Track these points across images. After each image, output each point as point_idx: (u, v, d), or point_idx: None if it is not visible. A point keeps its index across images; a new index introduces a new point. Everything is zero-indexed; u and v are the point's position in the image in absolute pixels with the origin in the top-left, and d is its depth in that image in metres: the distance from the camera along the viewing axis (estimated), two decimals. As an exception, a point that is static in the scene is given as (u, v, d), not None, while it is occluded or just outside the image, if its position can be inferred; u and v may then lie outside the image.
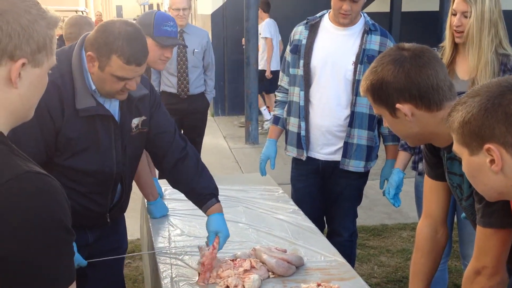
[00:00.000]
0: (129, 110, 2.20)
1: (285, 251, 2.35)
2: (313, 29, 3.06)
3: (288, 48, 3.16)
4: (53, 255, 1.03)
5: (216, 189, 2.39)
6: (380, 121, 3.04)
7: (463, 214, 2.19)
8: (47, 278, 1.02)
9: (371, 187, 5.72)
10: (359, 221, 4.88)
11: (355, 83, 2.95)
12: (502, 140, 1.30)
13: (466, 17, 2.61)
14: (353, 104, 2.98)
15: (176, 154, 2.36)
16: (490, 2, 2.57)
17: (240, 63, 8.21)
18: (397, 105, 1.62)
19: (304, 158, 3.14)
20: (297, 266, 2.26)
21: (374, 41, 2.96)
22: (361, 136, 3.03)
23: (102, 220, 2.28)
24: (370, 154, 3.08)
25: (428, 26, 8.40)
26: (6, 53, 1.06)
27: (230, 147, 7.71)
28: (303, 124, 3.08)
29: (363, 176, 3.17)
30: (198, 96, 5.02)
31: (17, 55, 1.07)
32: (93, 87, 2.04)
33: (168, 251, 2.45)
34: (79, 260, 2.13)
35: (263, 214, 2.90)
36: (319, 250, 2.45)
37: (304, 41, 3.06)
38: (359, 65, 2.95)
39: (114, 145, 2.16)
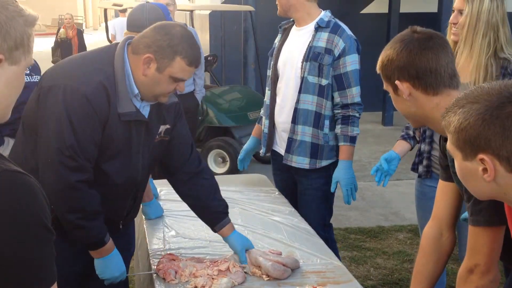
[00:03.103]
0: (157, 117, 2.19)
1: (280, 254, 2.33)
2: (285, 33, 3.19)
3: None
4: (33, 253, 1.02)
5: (227, 208, 2.41)
6: (338, 121, 3.04)
7: (462, 216, 2.17)
8: (26, 277, 1.01)
9: (368, 188, 5.72)
10: (356, 223, 4.89)
11: (301, 80, 3.02)
12: (497, 152, 1.29)
13: (462, 14, 2.57)
14: (297, 101, 3.04)
15: (193, 168, 2.36)
16: (491, 4, 2.50)
17: (238, 63, 8.20)
18: (396, 82, 1.69)
19: (261, 154, 3.32)
20: (292, 269, 2.24)
21: (322, 38, 2.99)
22: (304, 133, 3.05)
23: (115, 227, 2.25)
24: (317, 152, 3.07)
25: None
26: None
27: (227, 147, 7.68)
28: (266, 122, 3.22)
29: (322, 177, 3.12)
30: (187, 96, 4.99)
31: None
32: (136, 91, 2.04)
33: (163, 253, 2.43)
34: (122, 273, 2.18)
35: (259, 216, 2.88)
36: (315, 253, 2.43)
37: (277, 44, 3.20)
38: (304, 63, 3.00)
39: (141, 151, 2.16)
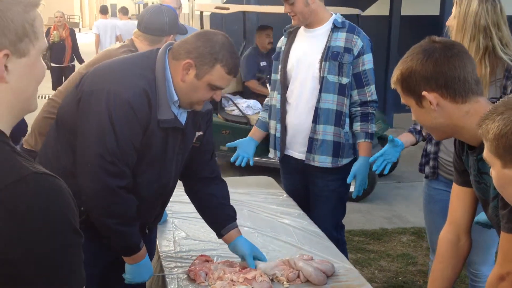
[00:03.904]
0: (193, 124, 2.18)
1: (311, 259, 2.31)
2: (291, 36, 3.20)
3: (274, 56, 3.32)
4: (62, 257, 1.00)
5: (236, 214, 2.40)
6: (354, 119, 3.05)
7: (475, 219, 2.16)
8: (56, 281, 0.99)
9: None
10: (359, 225, 4.89)
11: (321, 80, 3.02)
12: None
13: (454, 17, 2.55)
14: (318, 101, 3.04)
15: (208, 173, 2.36)
16: (479, 6, 2.45)
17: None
18: (423, 93, 1.64)
19: (276, 159, 3.26)
20: (328, 276, 2.24)
21: (340, 38, 3.02)
22: (326, 132, 3.06)
23: (141, 231, 2.21)
24: (338, 150, 3.08)
25: (428, 30, 8.34)
26: None
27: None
28: (278, 126, 3.19)
29: (339, 179, 3.12)
30: None
31: None
32: (175, 98, 2.02)
33: (174, 255, 2.42)
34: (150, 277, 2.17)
35: (268, 218, 2.87)
36: (327, 256, 2.42)
37: (283, 48, 3.20)
38: (323, 62, 3.02)
39: (175, 158, 2.14)
